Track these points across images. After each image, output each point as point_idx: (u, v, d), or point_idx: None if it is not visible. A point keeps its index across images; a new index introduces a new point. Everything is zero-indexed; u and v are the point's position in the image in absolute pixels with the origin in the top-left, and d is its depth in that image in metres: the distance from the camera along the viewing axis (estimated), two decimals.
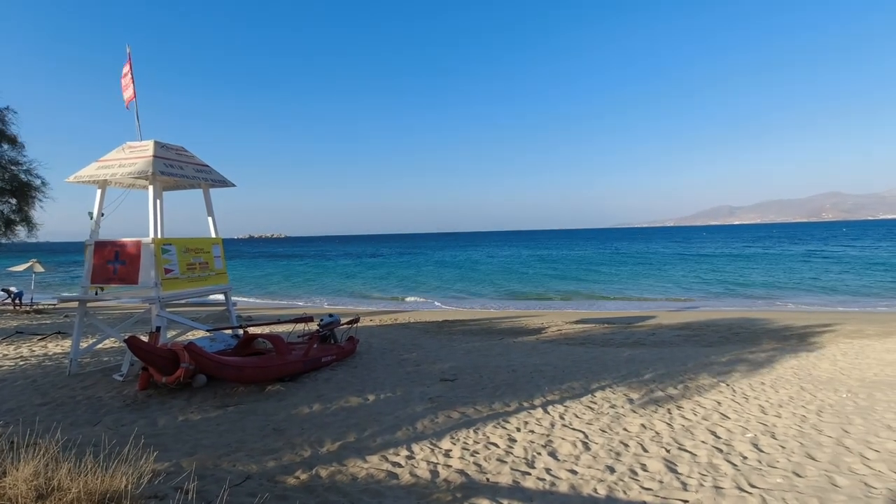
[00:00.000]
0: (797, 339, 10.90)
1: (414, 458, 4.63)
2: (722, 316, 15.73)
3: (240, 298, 24.42)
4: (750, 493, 3.82)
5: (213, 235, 9.46)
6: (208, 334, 8.83)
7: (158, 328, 7.55)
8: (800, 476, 4.10)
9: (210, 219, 9.48)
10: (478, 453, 4.71)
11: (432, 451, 4.79)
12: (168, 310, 8.17)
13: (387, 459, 4.58)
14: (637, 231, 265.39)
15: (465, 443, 4.98)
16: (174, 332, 9.90)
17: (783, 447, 4.72)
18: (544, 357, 9.29)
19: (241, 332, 8.68)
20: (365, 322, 14.72)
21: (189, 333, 10.75)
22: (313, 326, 9.52)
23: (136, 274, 7.78)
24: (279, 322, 9.53)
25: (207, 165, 9.25)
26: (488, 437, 5.12)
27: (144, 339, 7.14)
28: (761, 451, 4.65)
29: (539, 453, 4.69)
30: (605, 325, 13.83)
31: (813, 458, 4.45)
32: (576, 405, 6.17)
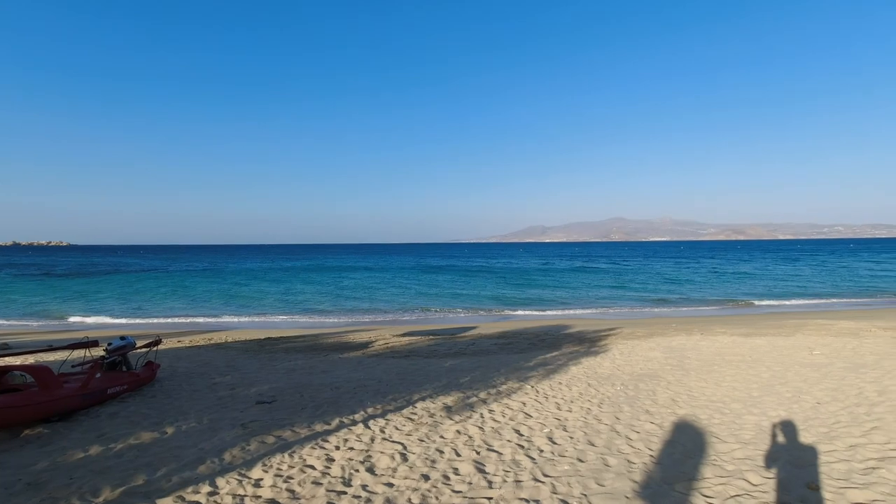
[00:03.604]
0: (589, 343, 12.77)
1: (217, 493, 4.16)
2: (532, 325, 17.68)
3: None
4: (543, 483, 4.29)
5: None
6: None
7: None
8: (582, 461, 4.75)
9: None
10: (292, 478, 4.44)
11: (240, 482, 4.37)
12: None
13: (183, 500, 4.03)
14: (464, 246, 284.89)
15: (278, 469, 4.66)
16: None
17: (571, 437, 5.43)
18: (370, 371, 9.28)
19: None
20: (170, 344, 12.98)
21: None
22: (100, 352, 8.02)
23: None
24: (50, 349, 7.80)
25: None
26: (305, 460, 4.87)
27: None
28: (555, 443, 5.28)
29: (357, 470, 4.62)
30: (431, 337, 14.43)
31: (593, 444, 5.20)
32: (397, 417, 6.27)
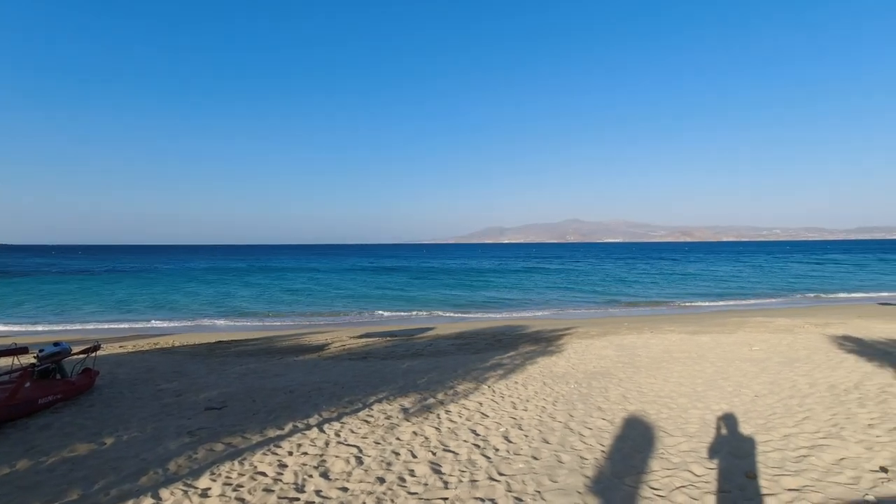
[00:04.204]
0: (545, 342, 12.98)
1: None
2: (490, 325, 17.83)
3: None
4: (499, 481, 4.33)
5: None
6: None
7: None
8: (537, 459, 4.83)
9: None
10: (242, 486, 4.29)
11: (185, 493, 4.18)
12: None
13: None
14: (423, 247, 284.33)
15: (227, 477, 4.49)
16: None
17: (527, 436, 5.51)
18: (325, 374, 9.10)
19: None
20: (111, 349, 12.31)
21: None
22: (30, 359, 7.50)
23: None
24: None
25: None
26: (256, 467, 4.72)
27: None
28: (510, 441, 5.34)
29: (311, 475, 4.51)
30: (388, 339, 14.31)
31: (547, 442, 5.29)
32: (353, 420, 6.17)
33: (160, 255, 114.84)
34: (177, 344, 13.75)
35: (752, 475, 4.22)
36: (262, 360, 10.78)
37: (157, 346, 13.26)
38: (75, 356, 8.10)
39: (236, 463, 4.82)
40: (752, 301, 27.27)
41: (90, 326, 19.84)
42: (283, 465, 4.75)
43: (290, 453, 5.07)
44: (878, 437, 5.06)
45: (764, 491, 3.93)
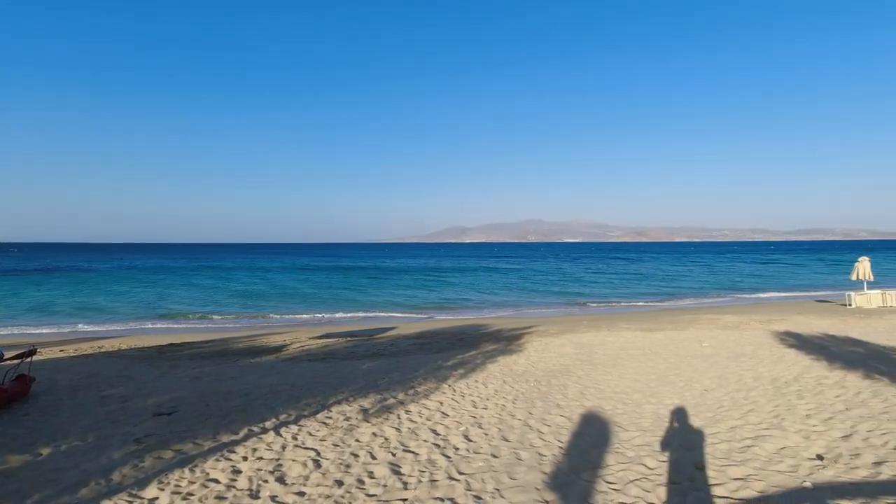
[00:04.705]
0: (506, 341, 13.11)
1: None
2: (451, 324, 17.87)
3: None
4: (458, 480, 4.32)
5: None
6: None
7: None
8: (496, 457, 4.85)
9: None
10: (192, 495, 4.11)
11: (130, 503, 3.97)
12: None
13: None
14: (384, 246, 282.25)
15: (177, 485, 4.29)
16: None
17: (487, 434, 5.53)
18: (283, 376, 8.88)
19: None
20: (50, 354, 11.60)
21: None
22: None
23: None
24: None
25: None
26: (208, 474, 4.54)
27: None
28: (470, 440, 5.35)
29: (266, 481, 4.38)
30: (349, 339, 14.12)
31: (507, 440, 5.33)
32: (311, 423, 6.03)
33: (97, 253, 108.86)
34: (124, 347, 13.11)
35: (700, 466, 4.39)
36: (216, 363, 10.41)
37: (102, 350, 12.59)
38: (8, 361, 7.58)
39: (186, 470, 4.62)
40: (703, 299, 28.47)
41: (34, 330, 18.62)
42: (237, 471, 4.59)
43: (245, 458, 4.91)
44: (814, 426, 5.37)
45: (712, 481, 4.09)
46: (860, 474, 4.09)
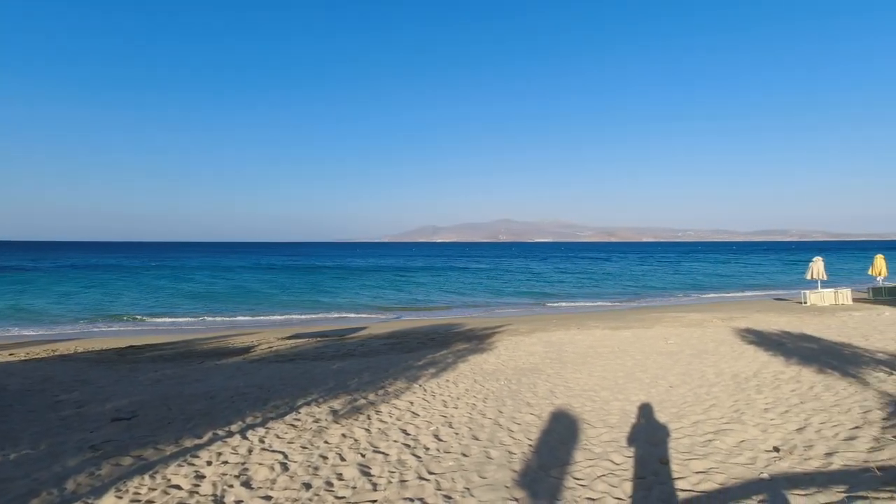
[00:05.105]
0: (477, 340, 13.17)
1: None
2: (423, 324, 17.84)
3: None
4: (428, 480, 4.30)
5: None
6: None
7: None
8: (466, 456, 4.86)
9: None
10: (152, 502, 3.96)
11: None
12: None
13: None
14: (356, 245, 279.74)
15: (136, 493, 4.13)
16: None
17: (457, 433, 5.53)
18: (250, 378, 8.68)
19: None
20: None
21: None
22: None
23: None
24: None
25: None
26: (169, 480, 4.38)
27: None
28: (441, 440, 5.34)
29: (231, 486, 4.26)
30: (318, 339, 13.92)
31: (477, 439, 5.35)
32: (279, 425, 5.91)
33: (45, 252, 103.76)
34: (80, 350, 12.58)
35: (664, 461, 4.50)
36: (179, 365, 10.10)
37: (56, 353, 12.05)
38: None
39: (147, 477, 4.45)
40: (669, 298, 29.28)
41: None
42: (200, 477, 4.45)
43: (209, 463, 4.76)
44: (771, 420, 5.58)
45: (675, 475, 4.20)
46: (813, 465, 4.27)
